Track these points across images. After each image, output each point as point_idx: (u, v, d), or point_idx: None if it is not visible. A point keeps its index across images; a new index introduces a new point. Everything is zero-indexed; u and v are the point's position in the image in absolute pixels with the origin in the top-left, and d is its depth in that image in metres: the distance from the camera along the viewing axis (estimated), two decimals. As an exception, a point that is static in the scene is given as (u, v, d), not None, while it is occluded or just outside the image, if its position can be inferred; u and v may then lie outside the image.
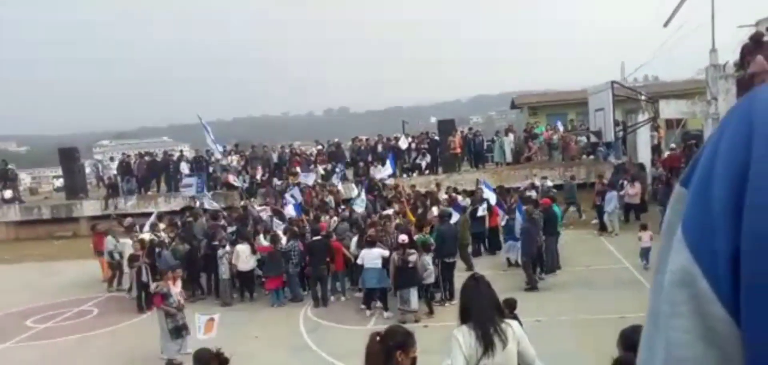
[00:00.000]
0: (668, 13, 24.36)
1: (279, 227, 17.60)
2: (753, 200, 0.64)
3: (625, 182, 21.16)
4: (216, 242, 16.55)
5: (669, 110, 22.12)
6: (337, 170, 27.03)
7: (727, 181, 0.66)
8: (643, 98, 22.80)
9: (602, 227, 20.48)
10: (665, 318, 0.71)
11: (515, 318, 5.04)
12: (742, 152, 0.66)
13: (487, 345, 4.52)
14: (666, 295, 0.71)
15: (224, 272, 16.12)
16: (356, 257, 15.16)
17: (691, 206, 0.71)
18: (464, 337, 4.58)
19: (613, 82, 20.67)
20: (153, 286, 12.87)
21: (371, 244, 14.46)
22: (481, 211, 18.46)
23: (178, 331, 12.03)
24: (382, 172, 24.58)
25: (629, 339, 4.61)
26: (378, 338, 4.68)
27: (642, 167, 23.25)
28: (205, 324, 11.50)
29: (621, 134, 24.24)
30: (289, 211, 19.42)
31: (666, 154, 24.45)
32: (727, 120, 0.71)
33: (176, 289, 12.40)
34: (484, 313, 4.69)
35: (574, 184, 22.81)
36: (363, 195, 20.38)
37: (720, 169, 0.68)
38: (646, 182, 22.34)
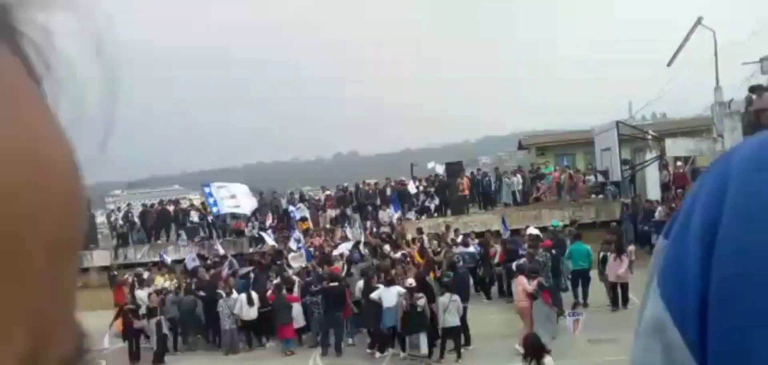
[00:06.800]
0: (673, 51, 24.51)
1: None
2: (720, 251, 0.67)
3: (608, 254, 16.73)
4: (219, 291, 16.55)
5: (675, 147, 22.08)
6: (348, 214, 27.18)
7: (700, 233, 0.69)
8: (649, 136, 22.79)
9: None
10: None
11: None
12: (715, 206, 0.69)
13: None
14: (641, 343, 0.74)
15: (225, 322, 16.06)
16: (360, 302, 15.15)
17: (667, 257, 0.73)
18: None
19: (618, 122, 20.73)
20: (523, 284, 13.52)
21: (390, 283, 14.38)
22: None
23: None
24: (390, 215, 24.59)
25: None
26: None
27: (652, 205, 23.10)
28: (573, 323, 13.21)
29: (628, 173, 24.17)
30: (298, 259, 19.23)
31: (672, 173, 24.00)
32: (706, 175, 0.75)
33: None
34: None
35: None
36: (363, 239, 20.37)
37: (695, 222, 0.71)
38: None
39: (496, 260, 18.66)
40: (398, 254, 18.10)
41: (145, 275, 19.44)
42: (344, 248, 19.92)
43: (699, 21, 20.00)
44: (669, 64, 23.90)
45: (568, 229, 20.26)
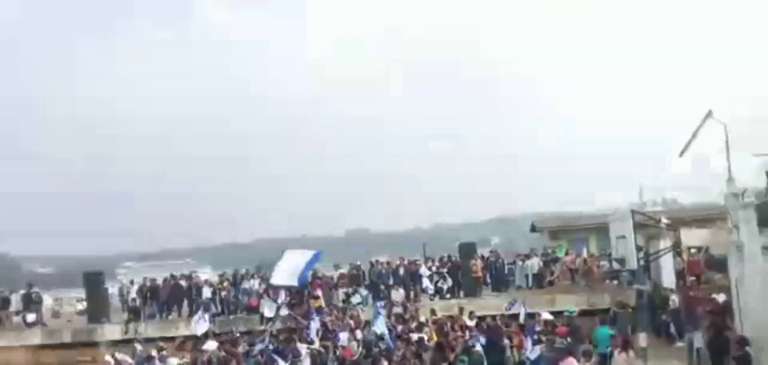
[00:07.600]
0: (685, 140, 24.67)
1: None
2: None
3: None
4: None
5: (691, 237, 22.07)
6: (360, 295, 27.11)
7: None
8: (662, 225, 22.81)
9: None
10: None
11: None
12: None
13: None
14: None
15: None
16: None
17: None
18: None
19: (633, 211, 20.82)
20: None
21: None
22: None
23: None
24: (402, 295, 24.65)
25: None
26: None
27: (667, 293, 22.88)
28: None
29: (643, 262, 24.14)
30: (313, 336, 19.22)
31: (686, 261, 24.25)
32: None
33: None
34: None
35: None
36: (382, 315, 20.07)
37: None
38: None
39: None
40: (418, 337, 17.91)
41: (154, 353, 19.22)
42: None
43: (709, 114, 20.23)
44: (681, 155, 24.07)
45: (612, 311, 21.08)
